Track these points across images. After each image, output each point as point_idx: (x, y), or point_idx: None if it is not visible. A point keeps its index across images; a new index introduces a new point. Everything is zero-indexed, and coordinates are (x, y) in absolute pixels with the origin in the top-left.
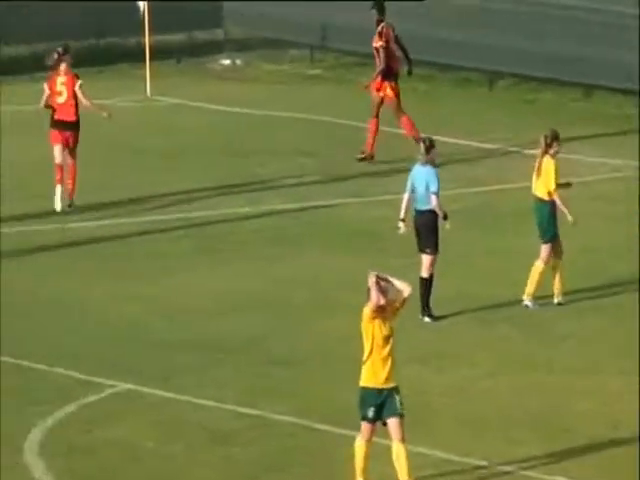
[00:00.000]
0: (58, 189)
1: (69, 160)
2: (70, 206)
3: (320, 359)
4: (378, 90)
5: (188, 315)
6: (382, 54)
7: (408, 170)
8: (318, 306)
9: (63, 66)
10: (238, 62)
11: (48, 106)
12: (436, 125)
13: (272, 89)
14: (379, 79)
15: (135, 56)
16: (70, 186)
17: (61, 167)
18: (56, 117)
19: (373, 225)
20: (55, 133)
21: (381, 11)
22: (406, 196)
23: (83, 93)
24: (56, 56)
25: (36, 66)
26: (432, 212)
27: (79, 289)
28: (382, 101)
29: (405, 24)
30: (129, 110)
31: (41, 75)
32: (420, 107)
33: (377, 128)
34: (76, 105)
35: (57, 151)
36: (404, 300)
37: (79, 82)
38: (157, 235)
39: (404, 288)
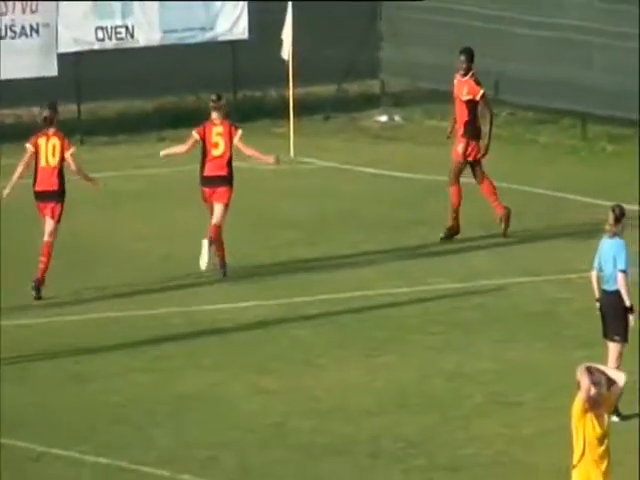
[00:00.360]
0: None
1: None
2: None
3: (491, 465)
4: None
5: (337, 414)
6: (487, 103)
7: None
8: (490, 403)
9: None
10: (397, 118)
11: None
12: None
13: (436, 150)
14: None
15: (277, 111)
16: None
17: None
18: None
19: (552, 307)
20: None
21: (471, 57)
22: (594, 275)
23: (74, 160)
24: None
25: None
26: None
27: (216, 383)
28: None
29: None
30: (270, 174)
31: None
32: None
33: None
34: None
35: None
36: (620, 391)
37: (72, 149)
38: (299, 320)
39: (619, 377)
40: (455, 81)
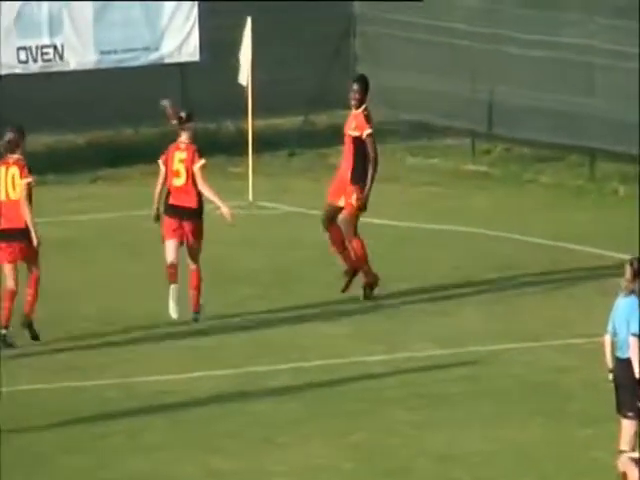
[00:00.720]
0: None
1: None
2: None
3: None
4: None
5: None
6: (372, 145)
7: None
8: None
9: None
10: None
11: None
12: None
13: (419, 191)
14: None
15: (234, 147)
16: None
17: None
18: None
19: (554, 377)
20: None
21: (366, 87)
22: (607, 340)
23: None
24: None
25: None
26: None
27: (162, 464)
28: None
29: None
30: (225, 221)
31: None
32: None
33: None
34: None
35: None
36: None
37: (27, 179)
38: (258, 393)
39: None
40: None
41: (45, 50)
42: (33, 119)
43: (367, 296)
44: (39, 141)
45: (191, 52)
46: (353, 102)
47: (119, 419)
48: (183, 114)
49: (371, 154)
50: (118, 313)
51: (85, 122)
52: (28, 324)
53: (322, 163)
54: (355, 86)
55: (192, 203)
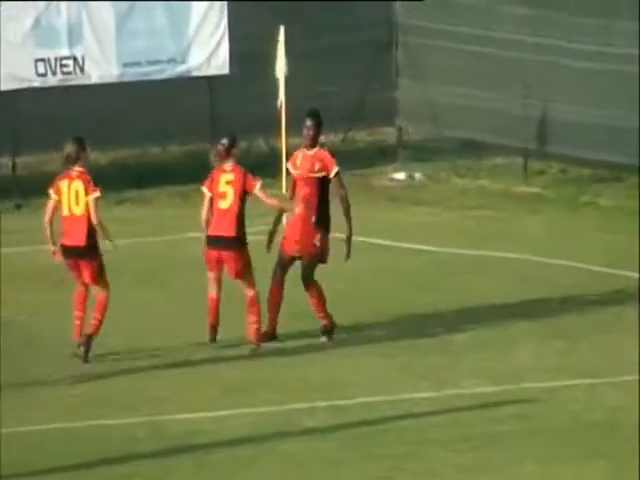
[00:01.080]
0: None
1: None
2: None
3: None
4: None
5: None
6: (342, 182)
7: None
8: None
9: None
10: (417, 176)
11: None
12: None
13: (466, 215)
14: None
15: (266, 166)
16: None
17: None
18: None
19: (613, 416)
20: None
21: (321, 123)
22: None
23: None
24: None
25: None
26: None
27: None
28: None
29: None
30: (257, 247)
31: None
32: None
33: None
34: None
35: None
36: None
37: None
38: (293, 433)
39: None
40: (299, 153)
41: (64, 62)
42: (51, 136)
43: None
44: (58, 161)
45: (220, 65)
46: (307, 140)
47: (145, 461)
48: (225, 141)
49: (343, 192)
50: (145, 344)
51: (108, 140)
52: (85, 348)
53: (362, 184)
54: (309, 122)
55: (232, 231)
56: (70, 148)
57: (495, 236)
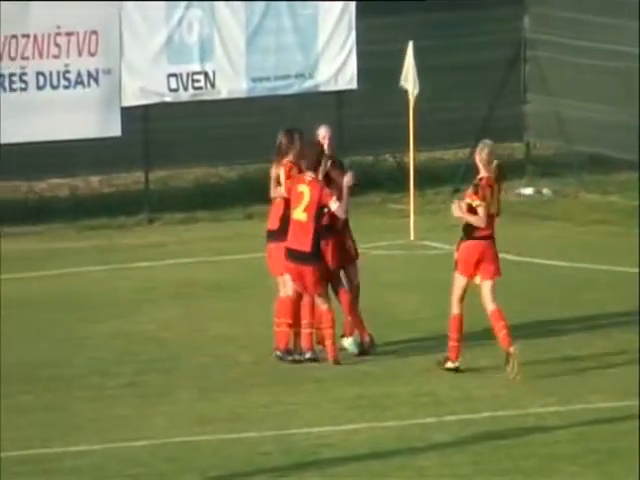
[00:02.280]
0: None
1: None
2: None
3: None
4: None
5: None
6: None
7: None
8: None
9: None
10: (546, 191)
11: None
12: None
13: (598, 232)
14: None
15: (394, 182)
16: None
17: None
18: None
19: None
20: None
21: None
22: None
23: None
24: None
25: None
26: None
27: None
28: None
29: None
30: (386, 261)
31: None
32: None
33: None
34: None
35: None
36: None
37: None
38: (423, 448)
39: None
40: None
41: (196, 77)
42: (182, 151)
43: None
44: (189, 176)
45: (348, 79)
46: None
47: (271, 473)
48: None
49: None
50: (273, 360)
51: (237, 155)
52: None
53: None
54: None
55: (307, 246)
56: (282, 139)
57: (623, 252)
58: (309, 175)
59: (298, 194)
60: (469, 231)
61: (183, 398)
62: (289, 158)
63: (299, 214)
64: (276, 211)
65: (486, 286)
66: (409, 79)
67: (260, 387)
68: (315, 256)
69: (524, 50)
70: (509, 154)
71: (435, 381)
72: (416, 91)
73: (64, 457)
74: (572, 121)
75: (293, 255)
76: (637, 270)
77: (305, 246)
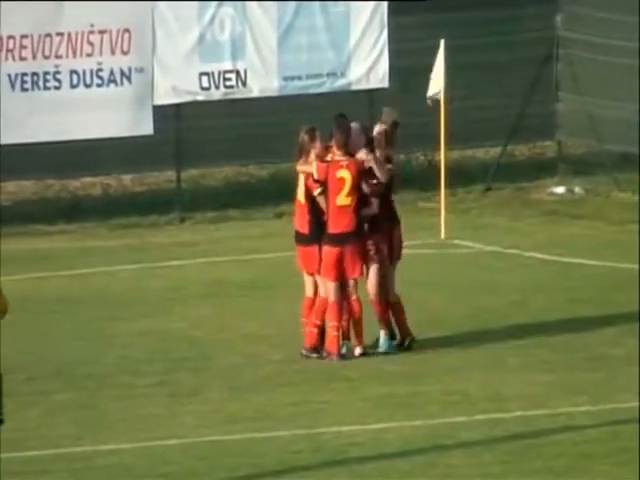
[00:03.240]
0: None
1: None
2: None
3: None
4: None
5: None
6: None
7: None
8: None
9: None
10: (577, 190)
11: None
12: None
13: (629, 230)
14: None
15: (425, 180)
16: None
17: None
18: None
19: None
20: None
21: None
22: None
23: None
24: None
25: None
26: None
27: None
28: None
29: None
30: (416, 260)
31: None
32: None
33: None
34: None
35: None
36: None
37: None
38: (451, 447)
39: None
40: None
41: (227, 76)
42: (214, 150)
43: None
44: (220, 174)
45: (380, 78)
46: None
47: (302, 472)
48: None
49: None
50: (305, 360)
51: (268, 153)
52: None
53: (521, 198)
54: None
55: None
56: (303, 137)
57: None
58: (343, 158)
59: (337, 180)
60: None
61: (213, 397)
62: (312, 157)
63: (343, 199)
64: (301, 214)
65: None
66: (440, 78)
67: (290, 386)
68: (357, 235)
69: (556, 48)
70: (541, 153)
71: (465, 380)
72: (442, 90)
73: (95, 456)
74: (604, 120)
75: (339, 239)
76: None
77: (350, 227)
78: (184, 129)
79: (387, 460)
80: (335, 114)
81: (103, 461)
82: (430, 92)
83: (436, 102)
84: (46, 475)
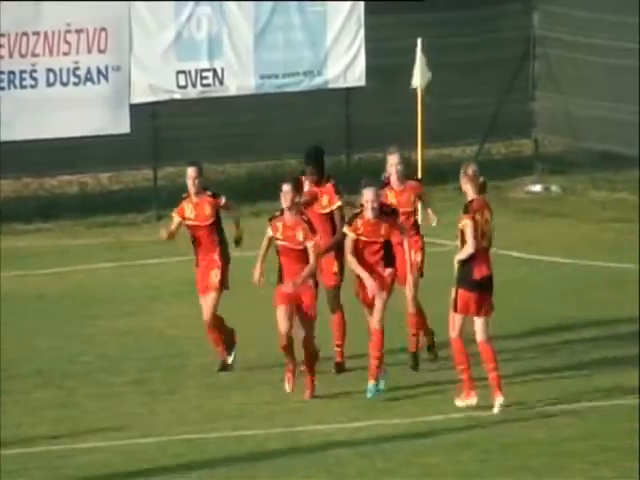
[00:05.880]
0: None
1: None
2: None
3: None
4: None
5: None
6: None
7: None
8: None
9: None
10: (554, 189)
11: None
12: None
13: (606, 228)
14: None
15: None
16: None
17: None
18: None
19: None
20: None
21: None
22: None
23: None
24: None
25: None
26: None
27: None
28: None
29: None
30: None
31: None
32: None
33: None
34: None
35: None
36: None
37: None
38: (430, 446)
39: None
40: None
41: (204, 74)
42: (191, 148)
43: None
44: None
45: (357, 77)
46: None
47: (276, 470)
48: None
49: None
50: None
51: (245, 151)
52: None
53: (497, 197)
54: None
55: None
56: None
57: (634, 249)
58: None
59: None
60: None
61: (190, 395)
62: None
63: None
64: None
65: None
66: (417, 74)
67: (267, 385)
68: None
69: (533, 47)
70: (518, 151)
71: (444, 378)
72: (424, 84)
73: (74, 454)
74: (581, 118)
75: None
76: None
77: None
78: (161, 127)
79: (366, 459)
80: (311, 112)
81: (81, 459)
82: (415, 77)
83: (413, 99)
84: (26, 473)
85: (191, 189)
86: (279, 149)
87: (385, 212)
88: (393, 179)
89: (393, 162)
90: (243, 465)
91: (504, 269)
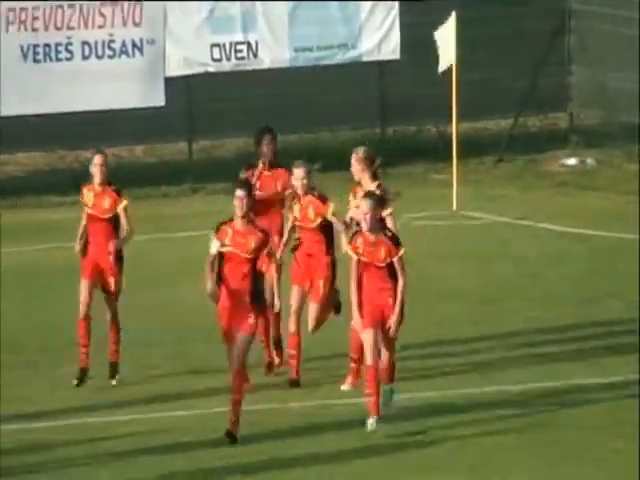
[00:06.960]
0: None
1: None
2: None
3: None
4: None
5: None
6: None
7: None
8: None
9: None
10: (589, 161)
11: None
12: None
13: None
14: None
15: (436, 152)
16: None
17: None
18: None
19: None
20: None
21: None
22: None
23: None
24: None
25: None
26: None
27: None
28: None
29: None
30: (429, 231)
31: None
32: None
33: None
34: None
35: None
36: None
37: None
38: (463, 422)
39: None
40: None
41: (239, 47)
42: (225, 121)
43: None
44: (231, 146)
45: (391, 50)
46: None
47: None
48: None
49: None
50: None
51: (280, 124)
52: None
53: (533, 170)
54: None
55: None
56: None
57: None
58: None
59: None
60: None
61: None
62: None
63: None
64: None
65: None
66: (451, 50)
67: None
68: None
69: (568, 20)
70: (553, 125)
71: (481, 352)
72: (454, 63)
73: (112, 426)
74: (616, 91)
75: None
76: None
77: None
78: (195, 100)
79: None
80: (345, 85)
81: (120, 431)
82: (441, 65)
83: (448, 74)
84: (65, 445)
85: (97, 177)
86: (313, 122)
87: None
88: (301, 193)
89: (299, 176)
90: (285, 438)
91: (540, 242)
